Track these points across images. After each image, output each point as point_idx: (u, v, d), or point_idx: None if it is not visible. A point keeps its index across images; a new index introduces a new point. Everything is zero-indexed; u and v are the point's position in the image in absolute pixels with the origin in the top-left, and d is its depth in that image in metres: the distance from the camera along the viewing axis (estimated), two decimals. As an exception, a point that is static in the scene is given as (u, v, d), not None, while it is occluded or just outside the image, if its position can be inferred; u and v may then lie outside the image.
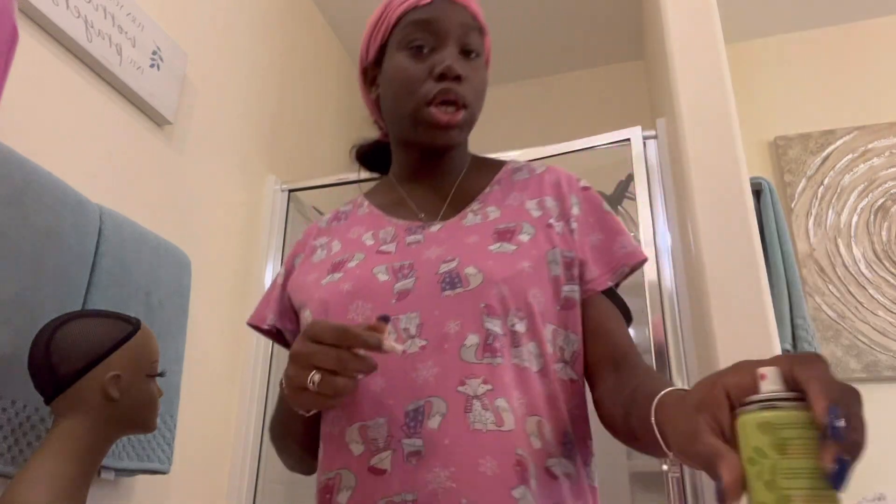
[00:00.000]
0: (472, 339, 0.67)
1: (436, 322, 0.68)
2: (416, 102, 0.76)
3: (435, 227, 0.77)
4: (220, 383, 1.63)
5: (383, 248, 0.77)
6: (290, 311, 0.84)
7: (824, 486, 0.79)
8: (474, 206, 0.79)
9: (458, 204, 0.80)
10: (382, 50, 0.82)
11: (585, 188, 0.80)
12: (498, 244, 0.72)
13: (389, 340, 0.58)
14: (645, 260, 0.77)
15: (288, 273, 0.86)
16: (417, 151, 0.82)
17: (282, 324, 0.84)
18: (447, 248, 0.73)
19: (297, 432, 0.76)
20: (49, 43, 1.21)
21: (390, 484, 0.62)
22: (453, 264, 0.71)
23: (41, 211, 1.03)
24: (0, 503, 0.82)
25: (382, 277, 0.72)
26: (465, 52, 0.78)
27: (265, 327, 0.85)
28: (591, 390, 0.74)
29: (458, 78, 0.75)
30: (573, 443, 0.70)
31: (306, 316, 0.76)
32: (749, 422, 0.94)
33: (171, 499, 1.42)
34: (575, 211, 0.77)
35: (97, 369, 0.92)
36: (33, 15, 1.16)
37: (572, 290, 0.74)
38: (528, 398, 0.67)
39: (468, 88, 0.76)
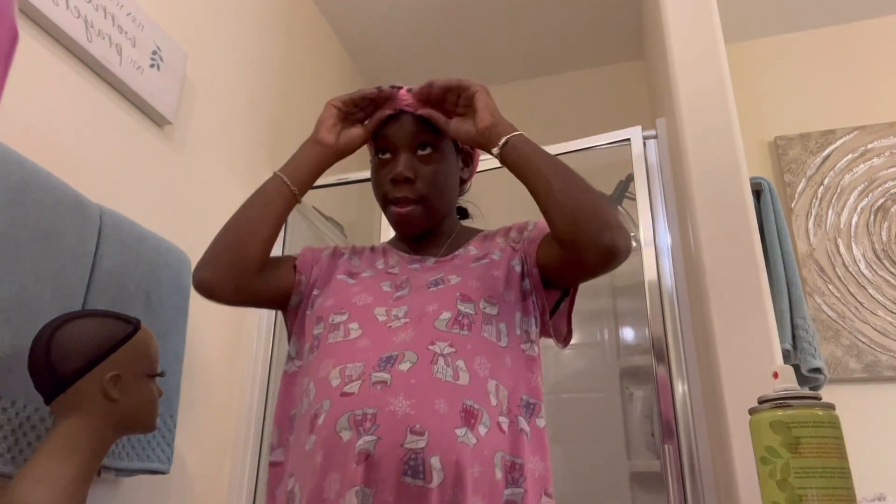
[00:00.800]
0: (446, 315, 0.85)
1: (418, 306, 0.86)
2: (382, 201, 0.98)
3: (430, 261, 0.98)
4: (220, 383, 1.63)
5: (390, 270, 0.97)
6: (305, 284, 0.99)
7: (837, 486, 0.79)
8: (460, 251, 0.99)
9: (449, 252, 1.01)
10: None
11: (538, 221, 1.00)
12: (475, 263, 0.94)
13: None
14: None
15: (316, 260, 1.02)
16: (406, 237, 1.03)
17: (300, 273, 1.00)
18: (436, 271, 0.94)
19: (273, 213, 0.93)
20: (49, 43, 1.21)
21: (356, 402, 0.76)
22: (440, 275, 0.92)
23: (41, 211, 1.03)
24: (0, 503, 0.82)
25: (386, 288, 0.93)
26: (421, 147, 0.96)
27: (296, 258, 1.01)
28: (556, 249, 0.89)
29: (407, 179, 0.94)
30: (529, 406, 0.85)
31: (315, 295, 0.95)
32: (761, 421, 0.95)
33: (171, 499, 1.42)
34: (529, 227, 0.98)
35: (97, 369, 0.92)
36: (33, 15, 1.16)
37: (527, 284, 0.93)
38: (492, 365, 0.83)
39: (420, 184, 0.95)
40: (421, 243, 1.02)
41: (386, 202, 0.97)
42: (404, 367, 0.78)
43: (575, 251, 0.82)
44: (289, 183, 0.95)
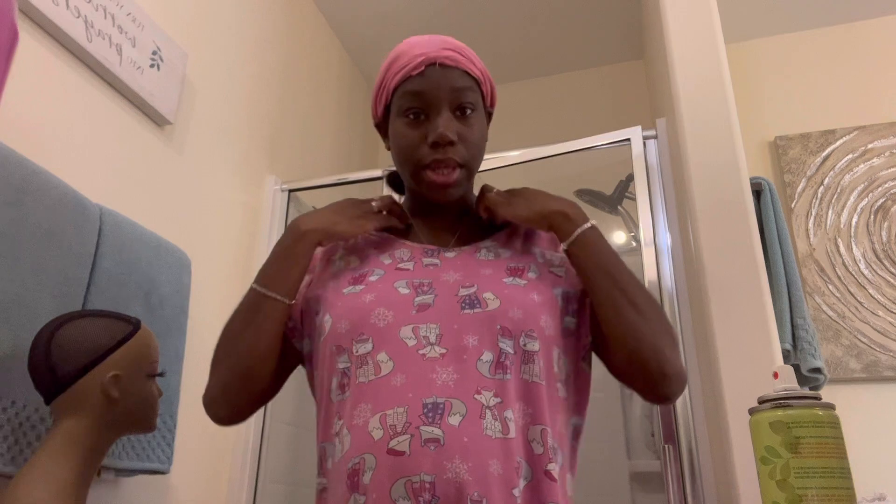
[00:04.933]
0: (488, 356, 0.76)
1: (455, 334, 0.76)
2: (414, 166, 0.85)
3: (450, 254, 0.87)
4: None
5: (401, 265, 0.85)
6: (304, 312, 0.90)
7: (837, 486, 0.79)
8: (487, 243, 0.89)
9: (467, 237, 0.91)
10: (387, 110, 0.90)
11: None
12: (511, 278, 0.83)
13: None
14: None
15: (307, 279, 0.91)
16: (428, 204, 0.92)
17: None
18: (464, 275, 0.83)
19: (266, 331, 0.82)
20: (49, 43, 1.21)
21: (409, 465, 0.69)
22: (472, 289, 0.80)
23: (41, 211, 1.03)
24: (0, 503, 0.82)
25: (403, 291, 0.81)
26: (460, 110, 0.85)
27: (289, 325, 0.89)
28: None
29: (450, 143, 0.83)
30: (565, 450, 0.80)
31: (326, 320, 0.82)
32: (761, 421, 0.95)
33: (171, 499, 1.42)
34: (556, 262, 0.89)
35: (97, 369, 0.92)
36: (33, 15, 1.16)
37: (570, 321, 0.84)
38: (534, 409, 0.76)
39: (462, 148, 0.84)
40: (434, 217, 0.92)
41: (419, 168, 0.84)
42: (454, 420, 0.71)
43: (629, 383, 0.80)
44: (280, 298, 0.83)
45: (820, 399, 0.91)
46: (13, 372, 0.96)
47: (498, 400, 0.73)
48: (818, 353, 1.65)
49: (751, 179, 1.66)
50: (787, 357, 1.67)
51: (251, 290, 0.84)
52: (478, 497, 0.68)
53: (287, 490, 1.79)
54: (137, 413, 0.96)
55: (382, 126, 0.93)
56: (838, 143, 2.21)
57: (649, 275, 1.51)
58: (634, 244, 2.24)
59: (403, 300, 0.80)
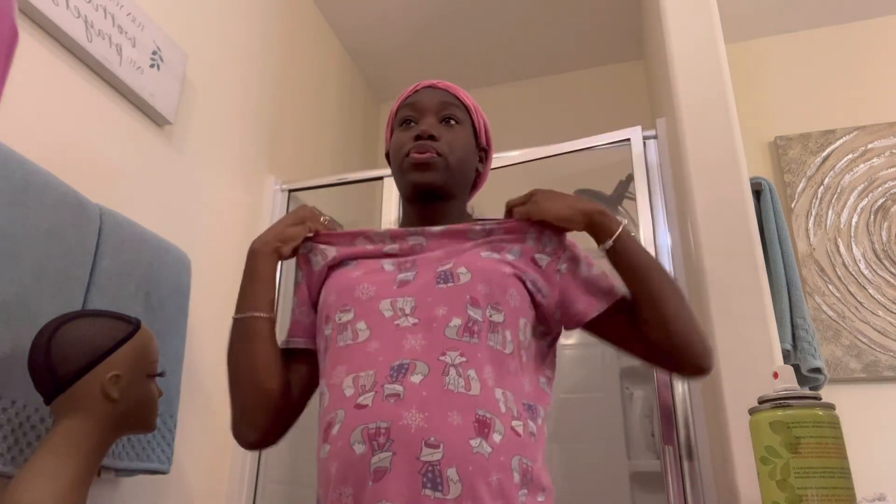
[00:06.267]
0: (456, 322, 0.83)
1: (427, 306, 0.84)
2: (402, 157, 0.97)
3: (436, 229, 0.94)
4: (220, 383, 1.63)
5: (386, 248, 0.94)
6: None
7: (837, 486, 0.79)
8: (476, 226, 0.95)
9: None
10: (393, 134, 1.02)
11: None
12: (488, 252, 0.90)
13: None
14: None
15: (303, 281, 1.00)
16: (416, 205, 0.99)
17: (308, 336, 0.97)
18: (446, 252, 0.91)
19: (258, 348, 0.89)
20: (49, 43, 1.21)
21: (369, 415, 0.76)
22: (449, 265, 0.88)
23: (41, 211, 1.03)
24: (1, 503, 0.82)
25: (388, 268, 0.90)
26: (445, 121, 0.98)
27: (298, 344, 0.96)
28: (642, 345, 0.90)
29: (431, 137, 0.95)
30: (531, 409, 0.85)
31: (322, 295, 0.93)
32: (761, 421, 0.94)
33: (171, 499, 1.42)
34: (576, 258, 0.94)
35: (97, 369, 0.92)
36: (33, 15, 1.16)
37: (544, 304, 0.90)
38: (498, 373, 0.82)
39: (442, 143, 0.95)
40: (426, 221, 0.99)
41: (404, 157, 0.96)
42: (416, 378, 0.78)
43: (669, 364, 0.87)
44: (258, 315, 0.91)
45: (820, 399, 0.91)
46: (13, 372, 0.96)
47: (463, 359, 0.80)
48: (818, 353, 1.65)
49: (751, 179, 1.66)
50: (787, 357, 1.67)
51: (233, 321, 0.92)
52: (434, 442, 0.74)
53: (287, 490, 1.79)
54: (137, 413, 0.97)
55: (389, 154, 1.04)
56: (838, 143, 2.21)
57: (649, 275, 1.51)
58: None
59: (387, 277, 0.89)
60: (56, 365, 0.90)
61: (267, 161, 1.95)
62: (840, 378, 1.97)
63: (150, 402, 0.98)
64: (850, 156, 2.19)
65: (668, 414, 1.39)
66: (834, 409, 0.91)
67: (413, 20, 2.48)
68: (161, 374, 1.00)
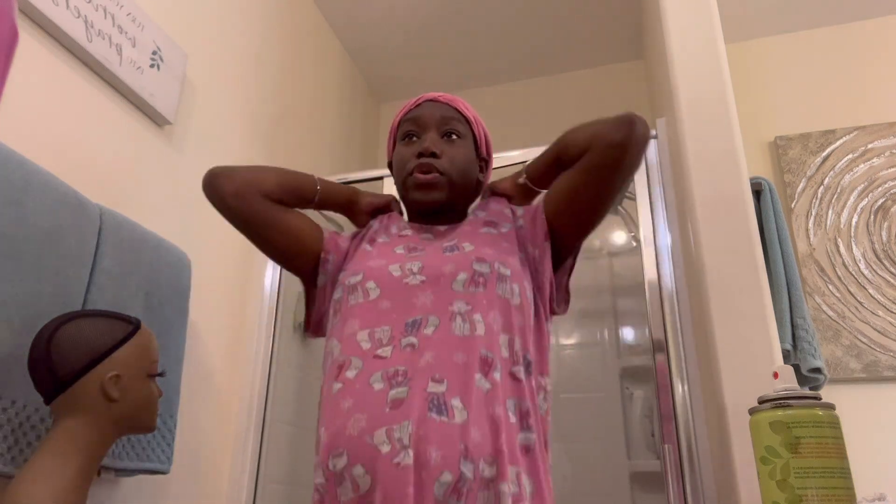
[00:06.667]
0: (462, 276, 0.90)
1: (434, 266, 0.92)
2: (405, 174, 1.02)
3: (442, 228, 1.04)
4: (220, 383, 1.63)
5: (402, 233, 1.03)
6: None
7: (837, 486, 0.79)
8: (469, 216, 1.06)
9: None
10: (395, 146, 1.09)
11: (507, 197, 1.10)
12: (485, 229, 0.99)
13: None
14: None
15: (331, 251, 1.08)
16: (419, 218, 1.06)
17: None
18: (449, 237, 0.99)
19: (293, 184, 1.04)
20: (49, 43, 1.21)
21: (389, 362, 0.84)
22: (453, 242, 0.97)
23: (41, 211, 1.03)
24: (1, 503, 0.82)
25: (399, 251, 0.98)
26: (447, 135, 1.03)
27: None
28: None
29: (433, 154, 1.00)
30: (532, 362, 0.91)
31: (342, 272, 1.01)
32: (761, 421, 0.94)
33: (171, 499, 1.42)
34: (520, 213, 1.05)
35: (97, 369, 0.92)
36: (33, 15, 1.16)
37: (534, 251, 0.99)
38: (505, 320, 0.89)
39: (444, 161, 1.01)
40: (430, 222, 1.06)
41: (407, 175, 1.02)
42: (429, 330, 0.86)
43: (614, 158, 0.91)
44: (318, 187, 1.06)
45: (820, 399, 0.91)
46: (13, 372, 0.96)
47: (468, 307, 0.88)
48: (818, 353, 1.65)
49: (751, 179, 1.66)
50: (787, 357, 1.67)
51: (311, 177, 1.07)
52: (439, 377, 0.82)
53: (287, 490, 1.79)
54: (137, 413, 0.96)
55: (392, 164, 1.10)
56: (838, 143, 2.21)
57: (649, 275, 1.51)
58: (634, 244, 2.24)
59: (398, 256, 0.96)
60: (56, 365, 0.90)
61: (267, 161, 1.95)
62: (840, 378, 1.97)
63: (150, 402, 0.98)
64: (850, 156, 2.19)
65: (668, 414, 1.39)
66: (834, 409, 0.91)
67: (413, 20, 2.48)
68: (161, 374, 1.00)
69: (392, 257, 0.96)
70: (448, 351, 0.84)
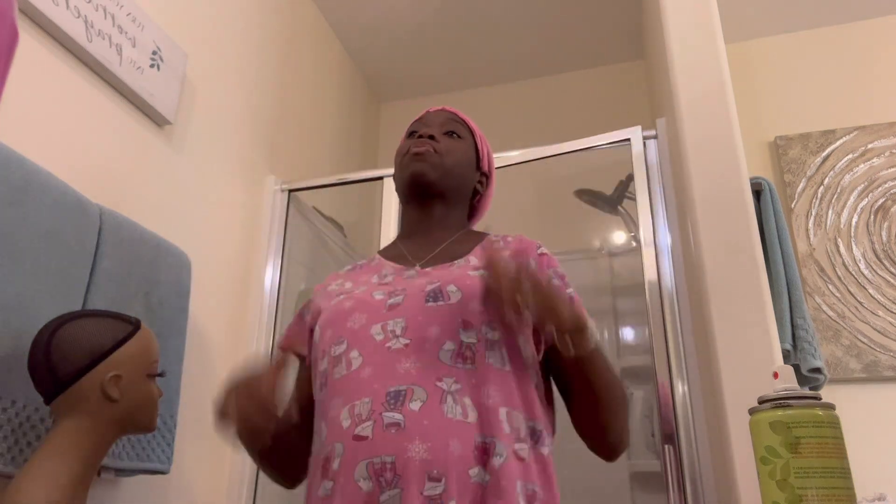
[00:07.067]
0: (449, 346, 0.82)
1: (418, 326, 0.83)
2: (401, 156, 1.02)
3: (427, 268, 0.94)
4: (220, 383, 1.63)
5: (384, 281, 0.94)
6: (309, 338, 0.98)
7: (837, 486, 0.79)
8: (460, 261, 0.95)
9: (447, 257, 0.97)
10: None
11: (542, 254, 0.97)
12: (476, 272, 0.89)
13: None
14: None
15: (311, 309, 1.00)
16: (414, 207, 1.02)
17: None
18: (434, 277, 0.90)
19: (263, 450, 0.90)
20: (49, 43, 1.21)
21: (372, 448, 0.75)
22: (437, 284, 0.87)
23: (41, 211, 1.03)
24: (1, 503, 0.82)
25: (378, 297, 0.89)
26: (448, 133, 1.04)
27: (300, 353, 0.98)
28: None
29: (431, 137, 1.00)
30: (540, 432, 0.85)
31: (316, 330, 0.92)
32: (761, 421, 0.94)
33: (171, 499, 1.42)
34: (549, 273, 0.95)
35: (97, 369, 0.92)
36: (33, 15, 1.16)
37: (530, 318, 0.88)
38: (501, 392, 0.81)
39: (441, 146, 1.00)
40: (422, 227, 1.01)
41: (403, 156, 1.01)
42: (415, 406, 0.77)
43: (584, 437, 0.92)
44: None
45: (820, 399, 0.91)
46: (13, 372, 0.96)
47: (458, 386, 0.79)
48: (818, 353, 1.65)
49: (751, 179, 1.66)
50: (787, 357, 1.67)
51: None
52: (437, 475, 0.73)
53: (287, 490, 1.79)
54: (137, 413, 0.96)
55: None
56: (838, 143, 2.21)
57: (649, 275, 1.51)
58: (634, 244, 2.24)
59: (377, 303, 0.88)
60: (56, 365, 0.90)
61: (267, 161, 1.95)
62: (840, 378, 1.97)
63: (150, 402, 0.98)
64: (850, 156, 2.19)
65: (668, 414, 1.39)
66: (834, 409, 0.91)
67: (413, 20, 2.48)
68: (161, 374, 1.00)
69: (372, 311, 0.87)
70: (442, 439, 0.75)
